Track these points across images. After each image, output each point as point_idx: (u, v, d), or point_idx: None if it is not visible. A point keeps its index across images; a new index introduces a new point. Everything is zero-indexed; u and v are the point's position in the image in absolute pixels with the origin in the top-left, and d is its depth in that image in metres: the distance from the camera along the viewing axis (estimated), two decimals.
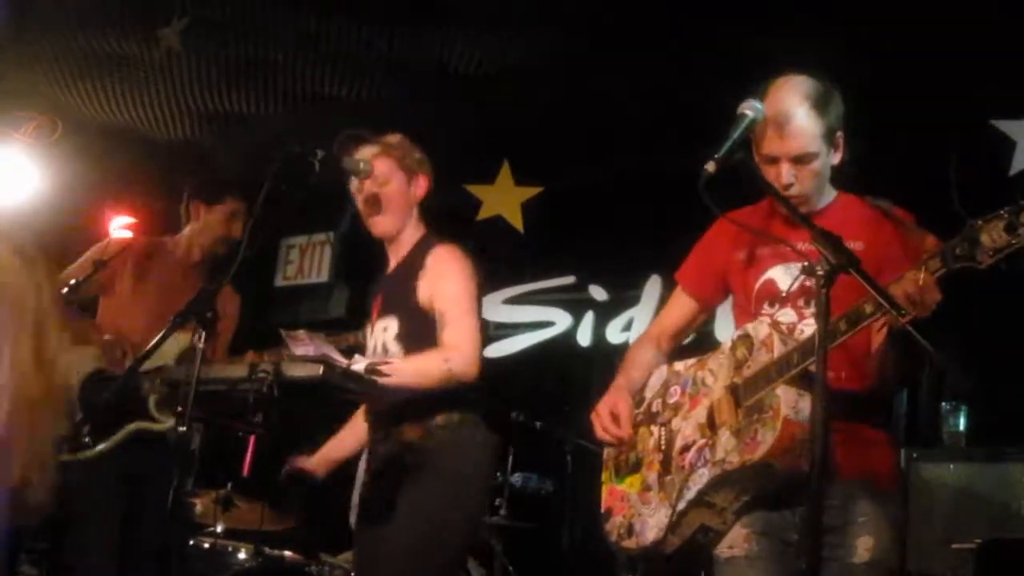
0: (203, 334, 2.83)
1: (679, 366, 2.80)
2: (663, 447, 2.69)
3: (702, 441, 2.56)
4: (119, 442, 3.75)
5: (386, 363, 3.02)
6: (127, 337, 3.84)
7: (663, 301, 5.99)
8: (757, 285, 2.65)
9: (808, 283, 2.39)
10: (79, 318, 3.95)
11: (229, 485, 4.83)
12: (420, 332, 3.20)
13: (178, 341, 3.89)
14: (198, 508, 4.91)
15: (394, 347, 3.24)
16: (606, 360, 6.35)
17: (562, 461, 5.56)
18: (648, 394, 2.85)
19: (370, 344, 3.35)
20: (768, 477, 2.40)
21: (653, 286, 6.24)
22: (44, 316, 1.25)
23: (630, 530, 2.69)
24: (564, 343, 6.52)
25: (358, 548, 3.34)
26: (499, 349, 6.58)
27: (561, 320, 6.55)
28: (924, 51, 4.87)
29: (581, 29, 5.23)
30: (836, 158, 2.62)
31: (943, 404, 4.69)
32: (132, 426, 3.78)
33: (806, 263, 2.20)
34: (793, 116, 2.53)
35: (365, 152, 3.36)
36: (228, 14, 5.42)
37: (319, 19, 5.38)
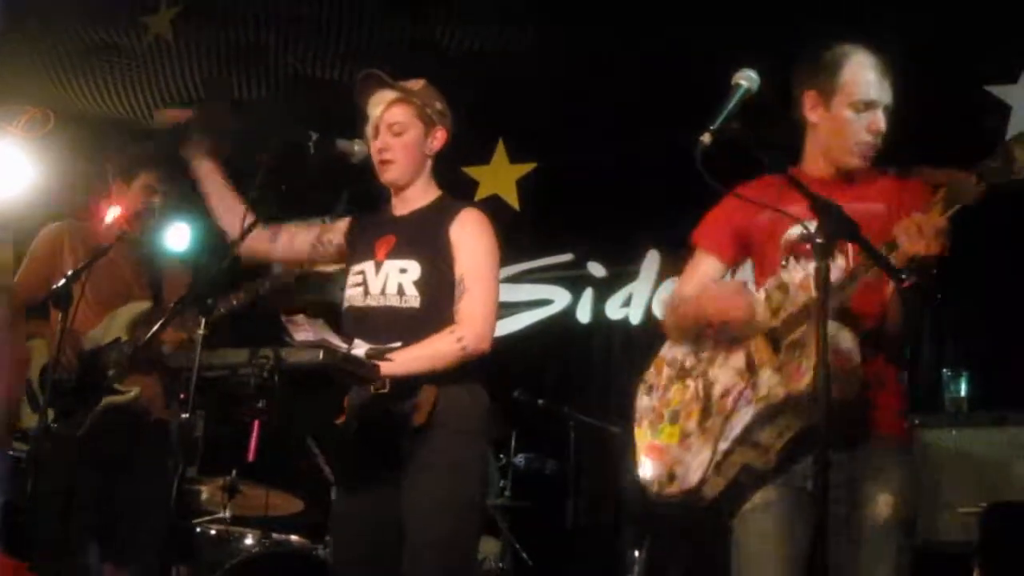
0: (203, 320, 2.83)
1: None
2: (701, 396, 2.70)
3: (742, 384, 2.58)
4: (96, 419, 3.76)
5: (390, 348, 3.00)
6: (74, 327, 3.83)
7: (662, 276, 6.11)
8: (781, 242, 2.67)
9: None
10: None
11: (234, 472, 4.86)
12: (441, 282, 3.15)
13: (127, 312, 3.91)
14: (204, 495, 4.93)
15: (411, 291, 3.16)
16: (606, 336, 6.39)
17: (565, 439, 5.57)
18: (678, 353, 2.83)
19: (376, 283, 3.23)
20: (812, 409, 2.34)
21: (652, 261, 6.24)
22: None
23: (671, 477, 2.68)
24: (563, 320, 6.51)
25: (368, 506, 3.16)
26: (498, 328, 6.52)
27: (560, 297, 6.54)
28: (916, 17, 4.86)
29: (573, 7, 5.22)
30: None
31: (944, 370, 4.70)
32: (104, 401, 3.78)
33: (805, 232, 2.21)
34: (888, 70, 2.68)
35: (384, 96, 3.28)
36: None
37: (311, 2, 5.36)
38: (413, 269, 3.18)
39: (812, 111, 2.73)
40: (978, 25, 4.80)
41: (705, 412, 2.67)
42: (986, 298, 4.92)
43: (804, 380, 2.38)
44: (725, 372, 2.66)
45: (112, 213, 4.05)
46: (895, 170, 2.70)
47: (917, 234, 2.24)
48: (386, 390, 2.97)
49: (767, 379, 2.51)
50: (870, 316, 2.52)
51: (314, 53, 5.82)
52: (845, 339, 2.40)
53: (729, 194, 2.70)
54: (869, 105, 2.65)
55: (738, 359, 2.63)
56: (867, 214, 2.50)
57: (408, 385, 3.02)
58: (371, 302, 3.23)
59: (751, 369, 2.58)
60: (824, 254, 2.12)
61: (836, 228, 2.13)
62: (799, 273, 2.53)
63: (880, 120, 2.65)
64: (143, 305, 3.96)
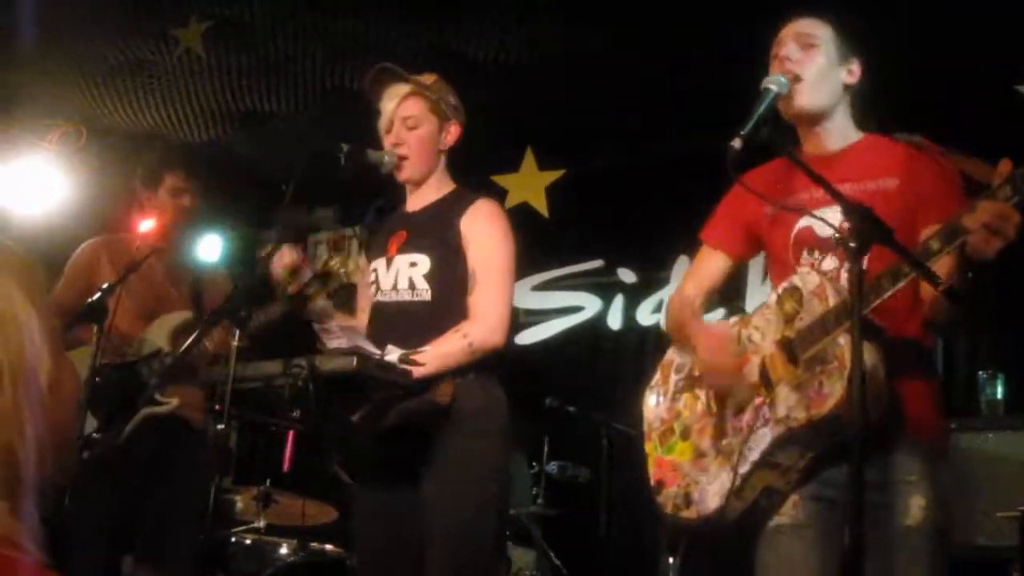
0: (238, 332, 2.85)
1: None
2: (714, 410, 2.61)
3: (758, 400, 2.47)
4: (135, 429, 3.77)
5: (418, 353, 3.01)
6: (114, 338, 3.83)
7: None
8: (793, 234, 2.58)
9: (846, 225, 2.22)
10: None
11: (268, 481, 4.88)
12: (452, 275, 3.12)
13: (171, 321, 3.93)
14: (239, 505, 4.96)
15: (422, 284, 3.13)
16: (637, 343, 6.37)
17: (597, 446, 5.55)
18: (686, 359, 2.75)
19: (387, 279, 3.20)
20: (836, 430, 2.29)
21: (683, 266, 6.21)
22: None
23: (687, 500, 2.58)
24: (595, 327, 6.51)
25: (390, 507, 3.12)
26: (530, 336, 6.58)
27: (591, 304, 6.54)
28: (946, 17, 4.82)
29: (601, 13, 5.22)
30: (849, 78, 2.60)
31: (980, 373, 4.65)
32: (143, 412, 3.80)
33: (837, 236, 2.15)
34: (807, 15, 2.63)
35: (398, 89, 3.26)
36: (249, 14, 5.44)
37: (338, 15, 5.39)
38: (423, 263, 3.15)
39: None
40: (1008, 25, 4.76)
41: (719, 429, 2.57)
42: (1020, 297, 4.87)
43: (827, 404, 2.26)
44: (738, 384, 2.54)
45: (146, 226, 4.08)
46: (900, 136, 2.56)
47: (988, 233, 2.04)
48: (400, 392, 2.94)
49: (785, 398, 2.38)
50: (903, 325, 2.42)
51: (343, 65, 5.86)
52: (868, 356, 2.22)
53: (736, 183, 2.58)
54: (778, 42, 2.63)
55: (751, 370, 2.51)
56: (880, 193, 2.43)
57: (420, 386, 2.97)
58: (382, 298, 3.21)
59: (767, 384, 2.46)
60: (858, 257, 2.04)
61: (870, 232, 2.06)
62: (813, 279, 2.42)
63: (784, 48, 2.59)
64: (186, 314, 3.97)
